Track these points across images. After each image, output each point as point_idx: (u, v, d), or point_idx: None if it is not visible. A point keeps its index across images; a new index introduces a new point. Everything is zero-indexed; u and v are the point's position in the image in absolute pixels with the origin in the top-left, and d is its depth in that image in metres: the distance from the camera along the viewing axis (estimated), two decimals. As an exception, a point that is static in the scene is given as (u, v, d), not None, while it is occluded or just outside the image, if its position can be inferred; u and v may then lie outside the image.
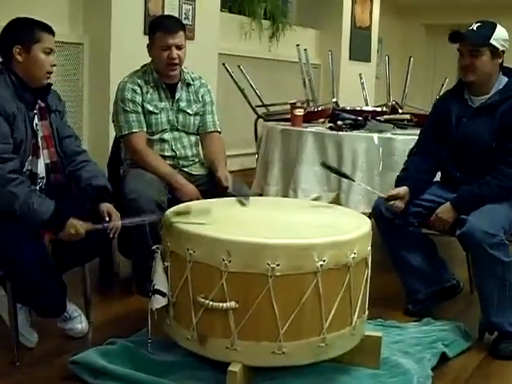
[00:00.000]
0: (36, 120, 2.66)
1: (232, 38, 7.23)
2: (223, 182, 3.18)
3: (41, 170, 2.68)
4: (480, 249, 2.71)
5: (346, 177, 3.13)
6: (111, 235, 2.68)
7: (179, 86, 3.40)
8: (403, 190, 2.99)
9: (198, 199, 3.08)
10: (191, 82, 3.45)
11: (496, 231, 2.71)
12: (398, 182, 3.07)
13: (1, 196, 2.48)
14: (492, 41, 2.90)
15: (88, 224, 2.57)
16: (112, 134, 3.64)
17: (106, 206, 2.71)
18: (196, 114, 3.45)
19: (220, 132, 3.53)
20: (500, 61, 2.97)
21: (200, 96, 3.47)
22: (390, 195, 2.98)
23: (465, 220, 2.78)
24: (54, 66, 2.66)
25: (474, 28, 2.93)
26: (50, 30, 2.65)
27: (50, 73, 2.65)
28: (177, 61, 3.29)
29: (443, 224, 2.96)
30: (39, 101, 2.68)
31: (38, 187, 2.66)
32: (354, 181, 3.13)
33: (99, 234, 2.64)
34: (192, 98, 3.44)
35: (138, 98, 3.31)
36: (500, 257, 2.71)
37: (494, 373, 2.65)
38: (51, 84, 2.74)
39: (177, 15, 5.54)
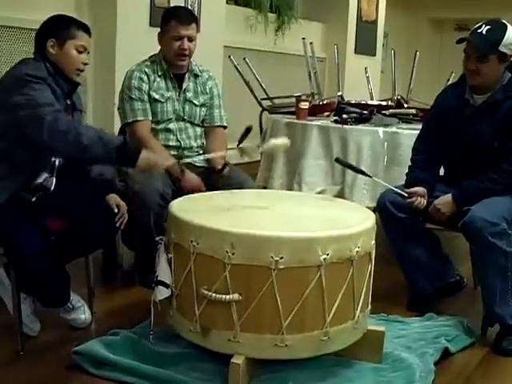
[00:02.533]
0: None
1: (238, 30, 7.21)
2: (216, 166, 3.21)
3: (55, 159, 2.68)
4: (481, 237, 2.71)
5: (363, 173, 3.11)
6: (118, 224, 2.70)
7: (187, 76, 3.40)
8: (422, 190, 2.97)
9: (200, 189, 3.11)
10: (199, 74, 3.46)
11: (498, 220, 2.71)
12: (413, 183, 3.03)
13: (67, 133, 2.43)
14: (501, 47, 2.81)
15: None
16: (117, 124, 3.64)
17: (114, 197, 2.75)
18: (202, 105, 3.45)
19: (226, 127, 3.53)
20: (507, 64, 2.90)
21: (208, 88, 3.47)
22: (411, 192, 2.96)
23: (467, 210, 2.78)
24: (86, 64, 2.68)
25: (484, 31, 2.82)
26: (86, 30, 2.68)
27: (81, 71, 2.67)
28: (187, 52, 3.30)
29: (440, 216, 2.95)
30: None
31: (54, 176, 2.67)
32: (371, 177, 3.11)
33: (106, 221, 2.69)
34: (199, 89, 3.44)
35: (145, 87, 3.31)
36: (502, 246, 2.70)
37: (496, 368, 2.65)
38: (79, 84, 2.75)
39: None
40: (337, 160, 3.21)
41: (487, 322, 2.88)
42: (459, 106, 3.02)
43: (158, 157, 2.64)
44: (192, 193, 2.90)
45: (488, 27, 2.83)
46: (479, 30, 2.85)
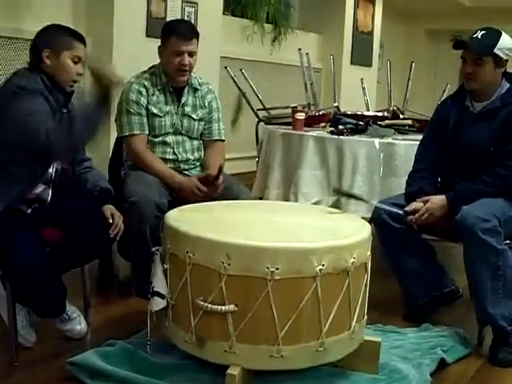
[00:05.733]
0: None
1: (234, 41, 7.24)
2: (211, 174, 3.19)
3: (52, 171, 2.69)
4: (472, 234, 2.71)
5: (361, 199, 3.11)
6: (112, 235, 2.70)
7: (186, 90, 3.39)
8: (421, 206, 2.96)
9: (199, 189, 3.13)
10: (198, 87, 3.45)
11: (489, 217, 2.71)
12: (414, 193, 3.04)
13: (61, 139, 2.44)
14: (496, 50, 2.88)
15: None
16: (113, 135, 3.64)
17: (109, 208, 2.75)
18: (201, 119, 3.44)
19: (224, 140, 3.54)
20: (503, 69, 2.96)
21: (207, 102, 3.46)
22: (410, 210, 2.95)
23: (459, 210, 2.79)
24: (81, 75, 2.68)
25: (479, 36, 2.92)
26: (81, 40, 2.68)
27: (75, 81, 2.67)
28: (187, 67, 3.28)
29: (433, 218, 2.93)
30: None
31: (50, 186, 2.68)
32: (367, 202, 3.11)
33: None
34: (198, 103, 3.44)
35: (143, 100, 3.31)
36: (492, 243, 2.70)
37: (492, 379, 2.65)
38: (73, 92, 2.76)
39: (179, 17, 5.55)
40: (335, 190, 3.19)
41: (479, 323, 2.87)
42: (459, 113, 3.06)
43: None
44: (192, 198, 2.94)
45: (483, 32, 2.93)
46: (475, 35, 2.94)
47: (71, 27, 2.74)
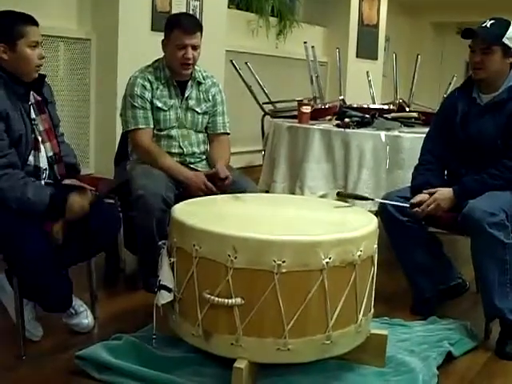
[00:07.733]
0: (33, 114, 2.62)
1: (239, 34, 7.22)
2: (220, 174, 3.18)
3: (43, 163, 2.65)
4: (479, 228, 2.70)
5: (366, 198, 3.10)
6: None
7: (190, 84, 3.39)
8: (427, 198, 2.94)
9: (205, 185, 3.12)
10: (202, 81, 3.44)
11: (496, 211, 2.70)
12: (420, 186, 3.02)
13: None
14: (505, 39, 2.87)
15: (87, 195, 2.57)
16: (119, 129, 3.65)
17: (72, 180, 2.66)
18: (205, 112, 3.44)
19: (229, 133, 3.53)
20: (511, 60, 2.95)
21: (211, 95, 3.46)
22: (415, 202, 2.94)
23: (466, 204, 2.78)
24: (43, 58, 2.60)
25: (488, 25, 2.91)
26: (33, 22, 2.57)
27: (39, 66, 2.59)
28: (191, 61, 3.28)
29: (439, 209, 2.92)
30: (35, 94, 2.63)
31: (42, 181, 2.64)
32: (373, 200, 3.10)
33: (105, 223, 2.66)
34: (202, 96, 3.43)
35: (148, 94, 3.31)
36: (499, 237, 2.69)
37: (499, 372, 2.64)
38: (45, 76, 2.70)
39: (184, 11, 5.54)
40: (338, 194, 3.18)
41: (487, 317, 2.86)
42: (466, 105, 3.05)
43: (82, 200, 2.55)
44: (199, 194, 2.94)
45: (492, 22, 2.92)
46: (483, 25, 2.93)
47: (17, 11, 2.60)
